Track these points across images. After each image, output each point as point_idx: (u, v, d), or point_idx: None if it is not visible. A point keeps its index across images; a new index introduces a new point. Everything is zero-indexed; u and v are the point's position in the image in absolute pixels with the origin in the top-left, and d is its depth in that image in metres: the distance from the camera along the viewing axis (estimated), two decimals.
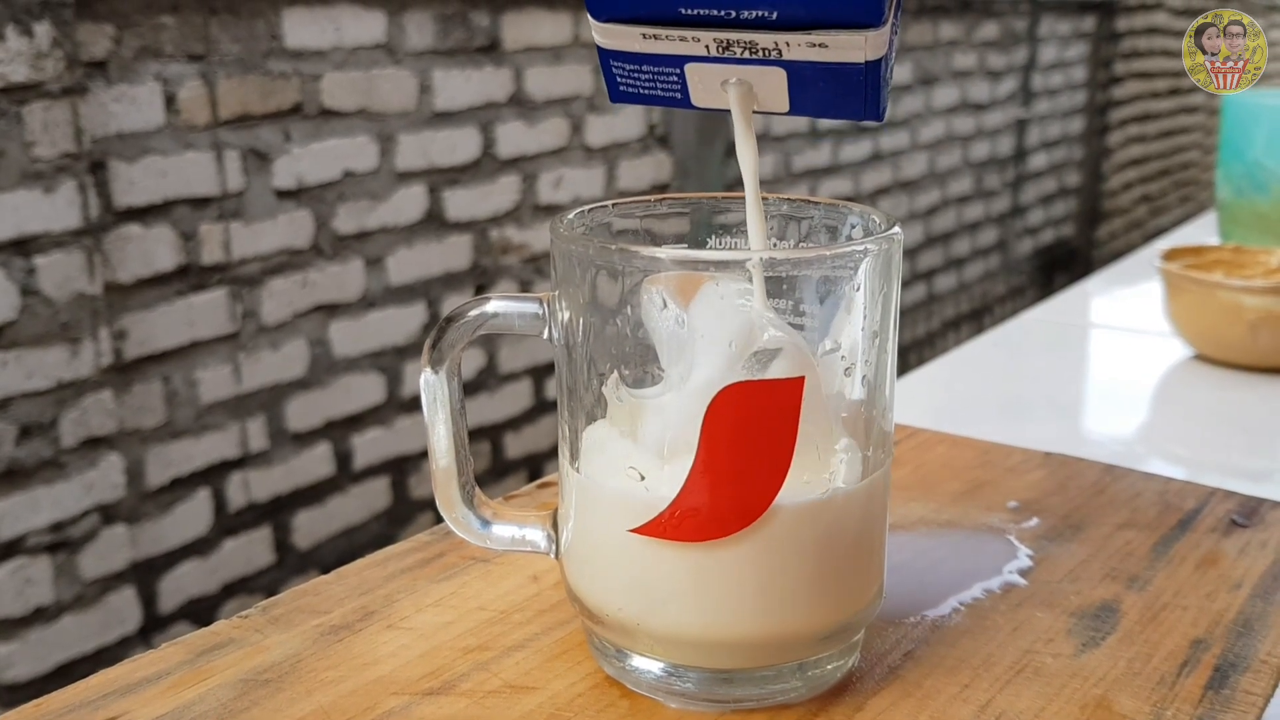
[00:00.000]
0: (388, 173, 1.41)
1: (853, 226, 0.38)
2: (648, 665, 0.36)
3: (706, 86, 0.34)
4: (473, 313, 0.37)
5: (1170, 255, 0.91)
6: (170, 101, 1.18)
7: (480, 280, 1.55)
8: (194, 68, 1.20)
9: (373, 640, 0.39)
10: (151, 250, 1.18)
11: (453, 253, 1.50)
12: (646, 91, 0.35)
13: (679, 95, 0.34)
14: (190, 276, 1.22)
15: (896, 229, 0.35)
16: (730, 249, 0.39)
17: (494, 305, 0.37)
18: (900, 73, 2.43)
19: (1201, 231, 1.48)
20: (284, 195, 1.30)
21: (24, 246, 1.07)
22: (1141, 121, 3.66)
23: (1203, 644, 0.39)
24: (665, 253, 0.34)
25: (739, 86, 0.34)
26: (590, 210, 0.38)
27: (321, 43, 1.31)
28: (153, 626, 1.22)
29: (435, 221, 1.47)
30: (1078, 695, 0.36)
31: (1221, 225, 1.18)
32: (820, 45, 0.31)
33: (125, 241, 1.15)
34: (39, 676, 1.12)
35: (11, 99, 1.05)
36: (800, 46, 0.32)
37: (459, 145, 1.49)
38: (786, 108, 0.34)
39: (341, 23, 1.33)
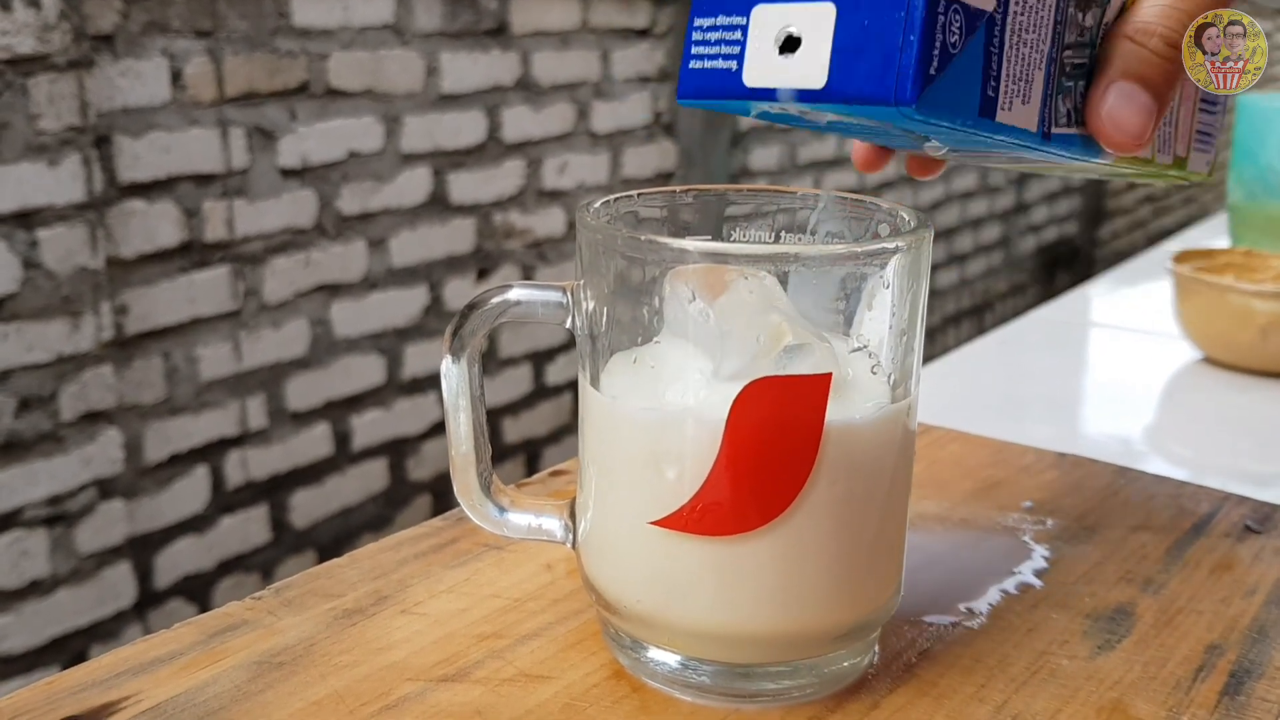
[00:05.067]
0: (392, 154, 1.40)
1: (880, 223, 0.38)
2: (664, 657, 0.36)
3: (763, 49, 0.31)
4: (495, 300, 0.36)
5: (1181, 257, 0.91)
6: (176, 77, 1.17)
7: (483, 264, 1.54)
8: (201, 44, 1.19)
9: (386, 625, 0.39)
10: (154, 226, 1.17)
11: (456, 236, 1.50)
12: (709, 65, 0.33)
13: (736, 65, 0.32)
14: (193, 253, 1.21)
15: (927, 227, 0.35)
16: (756, 242, 0.39)
17: (516, 293, 0.36)
18: None
19: (1211, 234, 1.48)
20: (288, 174, 1.29)
21: (27, 219, 1.06)
22: None
23: (1218, 649, 0.39)
24: (694, 244, 0.34)
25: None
26: (616, 200, 0.38)
27: (329, 22, 1.30)
28: (148, 602, 1.22)
29: (439, 204, 1.47)
30: (1093, 698, 0.36)
31: (1233, 228, 1.18)
32: None
33: (128, 217, 1.15)
34: (33, 649, 1.12)
35: (17, 71, 1.04)
36: None
37: (464, 128, 1.48)
38: (824, 79, 0.30)
39: (349, 2, 1.32)
